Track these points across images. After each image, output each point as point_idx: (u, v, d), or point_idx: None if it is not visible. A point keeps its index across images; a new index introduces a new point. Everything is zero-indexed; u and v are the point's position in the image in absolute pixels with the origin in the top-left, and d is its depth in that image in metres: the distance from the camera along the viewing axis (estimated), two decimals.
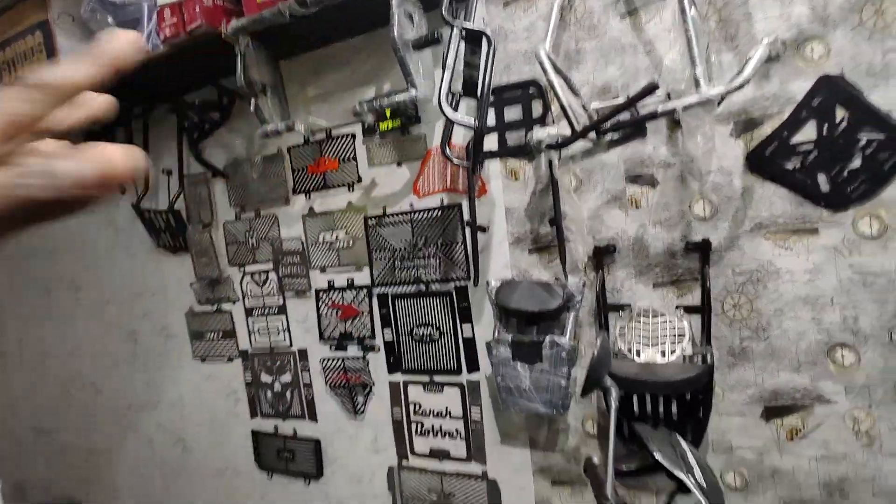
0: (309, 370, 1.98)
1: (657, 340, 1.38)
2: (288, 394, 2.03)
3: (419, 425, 1.81)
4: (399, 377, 1.82)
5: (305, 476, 2.05)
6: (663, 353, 1.37)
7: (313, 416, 2.00)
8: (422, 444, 1.82)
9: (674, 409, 1.30)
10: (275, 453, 2.09)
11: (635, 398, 1.34)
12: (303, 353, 1.98)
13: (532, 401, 1.48)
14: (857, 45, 1.15)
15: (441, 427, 1.77)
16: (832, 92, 1.14)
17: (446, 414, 1.75)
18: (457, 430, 1.75)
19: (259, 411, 2.11)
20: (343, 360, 1.90)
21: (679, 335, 1.35)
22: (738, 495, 1.40)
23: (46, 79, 0.30)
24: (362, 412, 1.91)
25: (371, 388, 1.87)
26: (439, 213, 1.66)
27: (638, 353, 1.39)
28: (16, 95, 0.30)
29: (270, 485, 2.14)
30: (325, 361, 1.93)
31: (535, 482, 1.65)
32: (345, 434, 1.95)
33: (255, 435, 2.12)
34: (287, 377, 2.02)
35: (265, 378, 2.06)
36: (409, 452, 1.84)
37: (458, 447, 1.76)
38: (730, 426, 1.38)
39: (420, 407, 1.80)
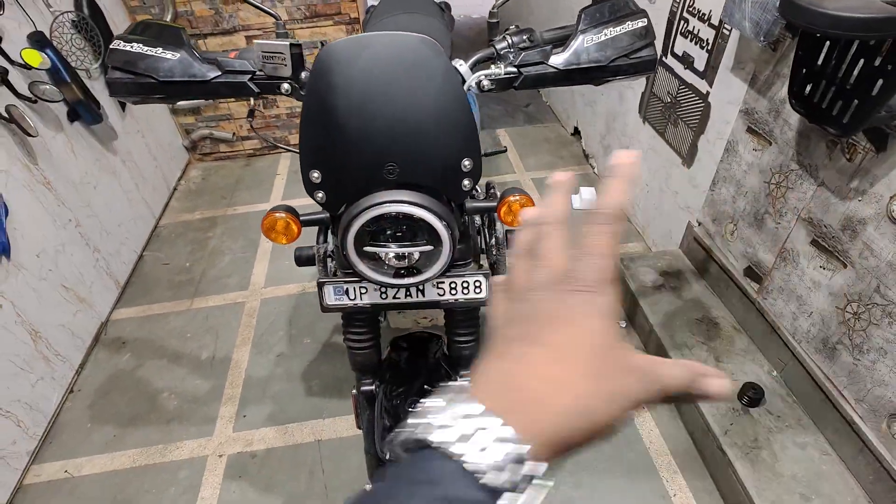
0: None
1: None
2: None
3: (685, 23, 1.74)
4: None
5: None
6: None
7: None
8: (679, 46, 1.79)
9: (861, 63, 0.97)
10: None
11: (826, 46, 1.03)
12: None
13: (743, 16, 1.27)
14: None
15: (699, 32, 1.68)
16: None
17: (708, 18, 1.62)
18: (707, 41, 1.64)
19: None
20: None
21: None
22: None
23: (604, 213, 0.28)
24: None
25: None
26: None
27: None
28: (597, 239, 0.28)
29: None
30: None
31: (736, 121, 1.55)
32: None
33: None
34: None
35: None
36: (670, 50, 1.86)
37: (700, 59, 1.69)
38: None
39: (693, 2, 1.69)
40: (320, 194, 0.78)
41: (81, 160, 2.00)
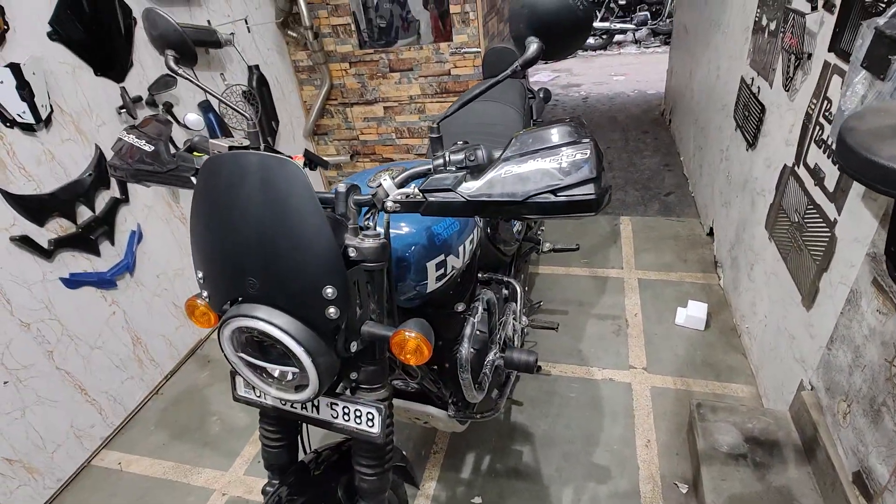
0: None
1: None
2: None
3: (820, 129, 1.37)
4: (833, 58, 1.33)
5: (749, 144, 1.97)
6: None
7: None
8: (812, 156, 1.41)
9: None
10: None
11: None
12: None
13: None
14: None
15: (833, 143, 1.30)
16: None
17: None
18: None
19: None
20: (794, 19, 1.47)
21: None
22: None
23: None
24: (794, 90, 1.55)
25: (805, 59, 1.45)
26: None
27: None
28: None
29: None
30: None
31: (862, 266, 1.14)
32: (778, 109, 1.68)
33: None
34: None
35: None
36: (802, 159, 1.48)
37: (831, 177, 1.30)
38: None
39: (830, 106, 1.33)
40: (205, 293, 0.79)
41: None
